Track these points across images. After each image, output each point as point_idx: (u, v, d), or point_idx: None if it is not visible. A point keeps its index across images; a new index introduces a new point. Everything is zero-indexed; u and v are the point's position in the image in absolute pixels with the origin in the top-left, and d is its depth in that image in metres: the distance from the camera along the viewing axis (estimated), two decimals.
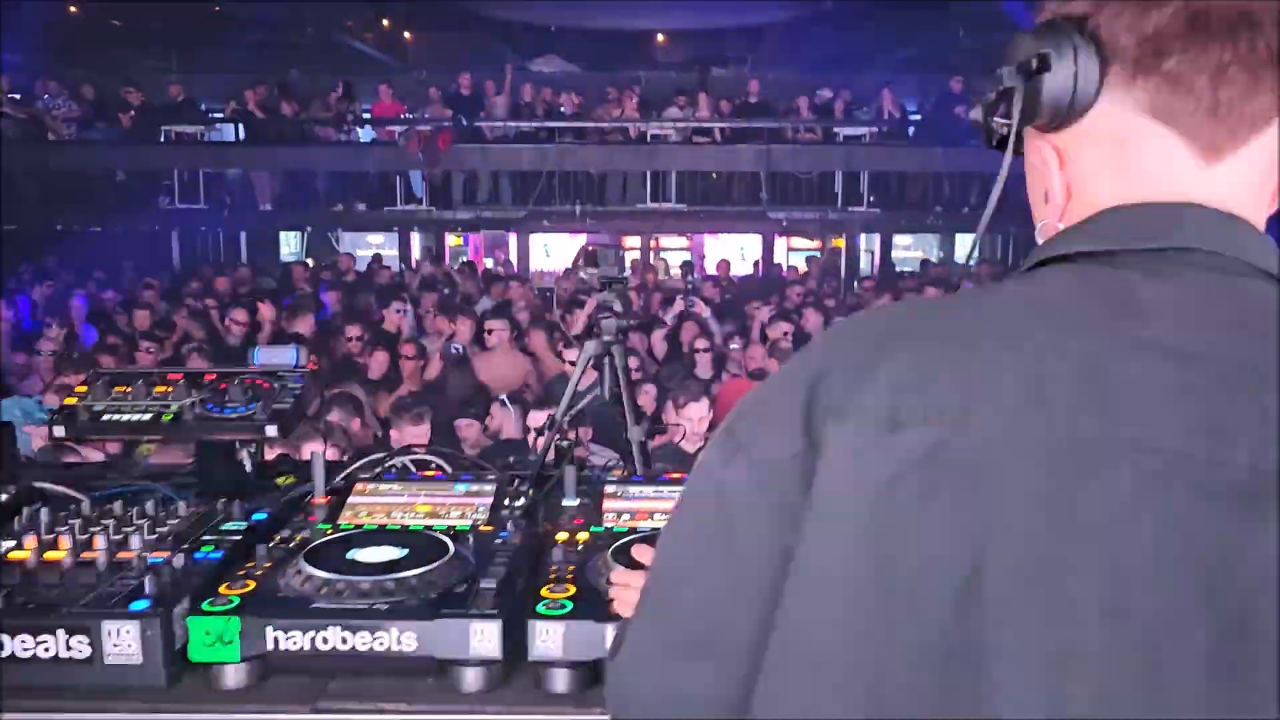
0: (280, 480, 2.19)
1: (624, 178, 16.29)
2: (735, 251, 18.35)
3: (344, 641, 1.48)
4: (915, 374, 0.80)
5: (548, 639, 1.48)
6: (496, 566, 1.65)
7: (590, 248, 2.29)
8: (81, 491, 1.99)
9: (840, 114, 16.86)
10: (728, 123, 16.34)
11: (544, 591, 1.56)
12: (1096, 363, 0.77)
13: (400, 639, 1.48)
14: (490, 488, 2.02)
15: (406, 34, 17.15)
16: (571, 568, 1.65)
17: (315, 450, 1.98)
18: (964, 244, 21.50)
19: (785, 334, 8.15)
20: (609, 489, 2.01)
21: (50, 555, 1.68)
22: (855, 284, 15.61)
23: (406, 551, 1.66)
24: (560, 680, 1.49)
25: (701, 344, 9.04)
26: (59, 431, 1.95)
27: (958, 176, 16.75)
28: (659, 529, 1.81)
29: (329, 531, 1.80)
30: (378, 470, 2.13)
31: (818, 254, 19.31)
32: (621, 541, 1.72)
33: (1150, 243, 0.85)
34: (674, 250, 20.43)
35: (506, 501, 1.96)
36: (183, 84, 16.42)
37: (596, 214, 16.04)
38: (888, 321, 0.90)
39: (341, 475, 2.08)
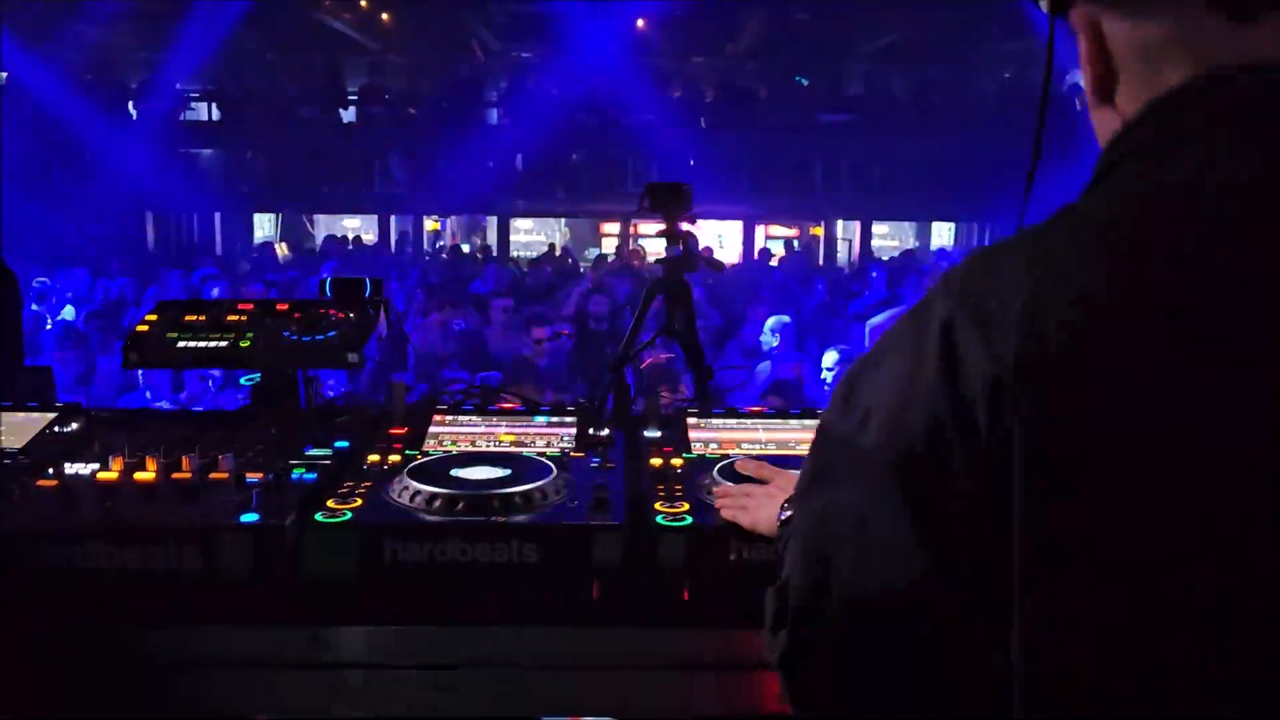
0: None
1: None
2: (712, 239, 18.37)
3: (463, 554, 1.45)
4: None
5: (673, 547, 1.46)
6: (600, 485, 1.64)
7: (654, 185, 2.27)
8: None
9: (821, 100, 16.90)
10: (709, 107, 16.32)
11: (658, 505, 1.54)
12: None
13: (521, 551, 1.46)
14: (571, 419, 1.99)
15: (384, 15, 16.95)
16: (679, 486, 1.64)
17: (396, 382, 1.94)
18: (939, 232, 21.67)
19: None
20: (691, 420, 1.99)
21: (140, 476, 1.64)
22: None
23: (510, 471, 1.64)
24: (683, 592, 1.48)
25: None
26: (132, 359, 1.90)
27: (936, 164, 16.88)
28: (761, 455, 1.80)
29: (420, 456, 1.77)
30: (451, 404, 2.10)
31: (795, 241, 19.41)
32: (725, 462, 1.70)
33: None
34: (652, 236, 20.40)
35: (590, 431, 1.93)
36: (152, 62, 16.13)
37: (577, 198, 15.99)
38: None
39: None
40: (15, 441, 1.82)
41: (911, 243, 21.18)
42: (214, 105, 15.84)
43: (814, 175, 16.98)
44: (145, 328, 1.94)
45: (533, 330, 7.60)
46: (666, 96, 16.33)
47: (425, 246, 17.86)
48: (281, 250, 15.04)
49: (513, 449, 1.86)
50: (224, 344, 1.92)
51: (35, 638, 1.40)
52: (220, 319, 1.96)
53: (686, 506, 1.53)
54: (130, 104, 15.46)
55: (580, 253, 19.36)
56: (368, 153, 15.66)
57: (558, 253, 15.88)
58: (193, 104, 16.29)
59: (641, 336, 2.39)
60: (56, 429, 1.88)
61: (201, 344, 1.91)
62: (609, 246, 21.42)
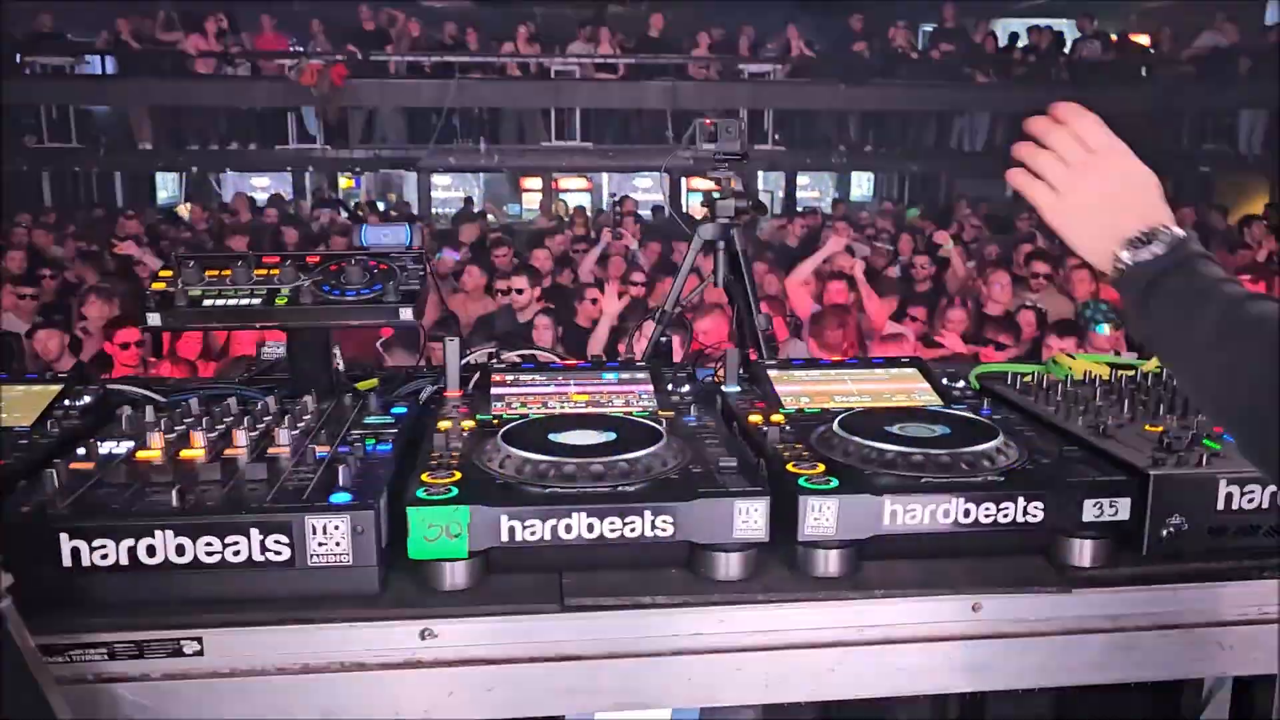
0: (360, 385, 1.94)
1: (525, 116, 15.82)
2: (636, 192, 18.16)
3: (590, 529, 1.28)
4: None
5: (821, 516, 1.31)
6: (715, 448, 1.48)
7: (709, 122, 2.08)
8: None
9: (744, 51, 16.72)
10: (633, 58, 16.00)
11: (791, 468, 1.39)
12: None
13: (655, 523, 1.29)
14: (643, 375, 1.83)
15: None
16: (800, 445, 1.49)
17: (450, 340, 1.75)
18: (860, 182, 21.82)
19: None
20: (772, 373, 1.84)
21: (187, 454, 1.43)
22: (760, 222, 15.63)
23: (614, 434, 1.47)
24: (831, 562, 1.33)
25: (638, 277, 8.91)
26: (154, 320, 1.66)
27: (859, 115, 16.90)
28: (873, 407, 1.66)
29: (495, 421, 1.59)
30: (502, 365, 1.91)
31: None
32: (848, 414, 1.56)
33: None
34: (574, 191, 20.08)
35: (670, 386, 1.77)
36: (49, 13, 15.13)
37: (500, 151, 15.56)
38: None
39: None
40: (23, 418, 1.58)
41: (832, 194, 21.29)
42: (109, 58, 14.95)
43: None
44: (163, 285, 1.70)
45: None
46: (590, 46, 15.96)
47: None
48: (185, 211, 14.32)
49: (591, 410, 1.68)
50: (257, 301, 1.69)
51: (106, 648, 1.19)
52: (246, 274, 1.73)
53: (822, 468, 1.38)
54: (18, 56, 14.49)
55: (498, 208, 18.95)
56: (280, 106, 14.96)
57: (476, 209, 15.47)
58: (86, 57, 15.36)
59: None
60: (68, 402, 1.64)
61: (232, 302, 1.69)
62: (530, 202, 21.04)
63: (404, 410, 1.65)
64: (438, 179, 17.40)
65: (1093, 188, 1.14)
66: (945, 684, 1.36)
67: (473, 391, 1.76)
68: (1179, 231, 1.08)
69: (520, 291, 7.47)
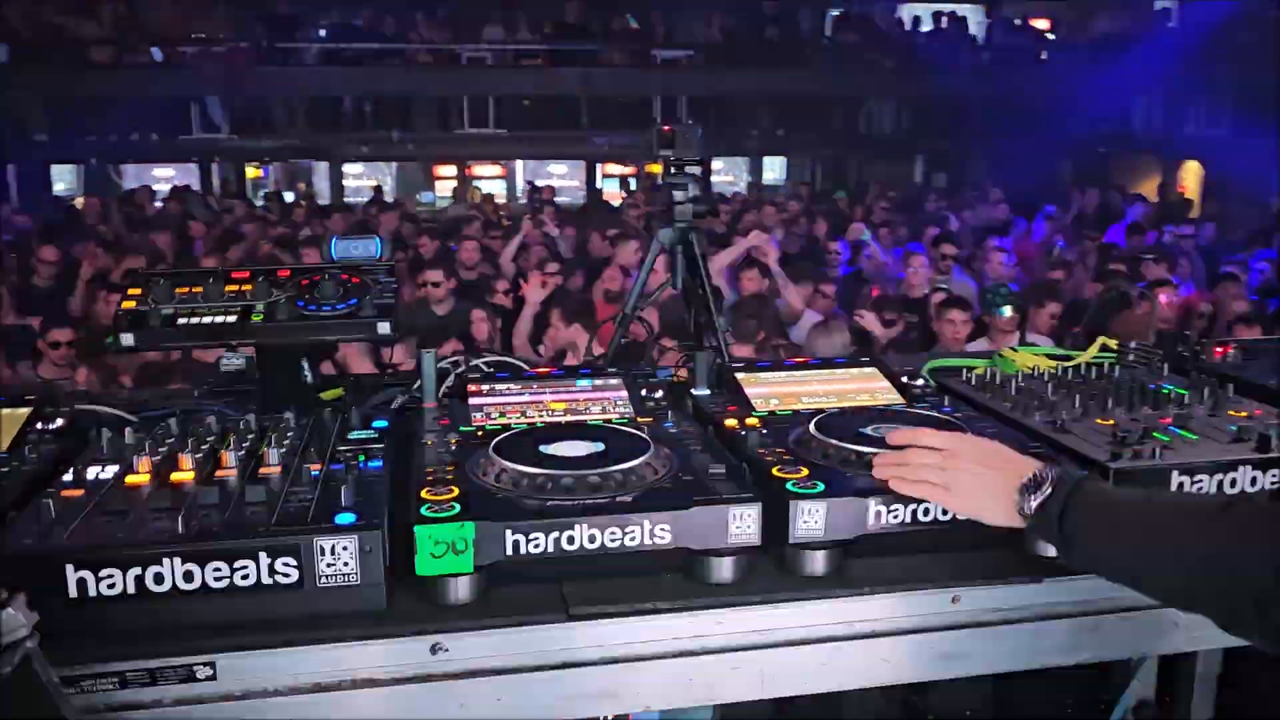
0: (325, 395, 1.95)
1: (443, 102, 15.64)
2: (551, 178, 18.10)
3: (591, 540, 1.32)
4: None
5: (810, 519, 1.38)
6: (700, 454, 1.53)
7: (667, 128, 2.13)
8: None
9: (658, 37, 16.79)
10: (545, 45, 15.93)
11: (777, 473, 1.45)
12: None
13: (654, 532, 1.34)
14: (615, 381, 1.87)
15: None
16: (780, 450, 1.55)
17: (427, 352, 1.76)
18: (772, 167, 22.10)
19: None
20: (740, 376, 1.90)
21: (177, 476, 1.42)
22: None
23: (603, 445, 1.51)
24: (819, 562, 1.40)
25: (552, 266, 8.92)
26: (128, 340, 1.64)
27: (769, 100, 17.12)
28: (844, 408, 1.73)
29: (479, 433, 1.61)
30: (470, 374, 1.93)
31: (633, 179, 19.36)
32: (822, 416, 1.63)
33: None
34: (489, 178, 19.93)
35: (644, 392, 1.82)
36: None
37: (414, 140, 15.36)
38: None
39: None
40: None
41: (745, 178, 21.55)
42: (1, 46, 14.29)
43: (652, 113, 16.87)
44: (133, 303, 1.68)
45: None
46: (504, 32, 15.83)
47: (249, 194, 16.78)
48: (82, 204, 13.77)
49: (570, 417, 1.72)
50: (232, 319, 1.68)
51: (117, 677, 1.19)
52: (218, 290, 1.72)
53: (806, 472, 1.45)
54: None
55: (411, 197, 18.69)
56: (181, 96, 14.50)
57: (390, 199, 15.23)
58: None
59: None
60: (40, 425, 1.61)
61: (206, 320, 1.67)
62: (444, 190, 20.78)
63: (385, 424, 1.66)
64: (349, 168, 17.08)
65: (969, 471, 1.36)
66: (927, 673, 1.44)
67: (448, 401, 1.78)
68: (1053, 469, 1.32)
69: (436, 285, 7.39)
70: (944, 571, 1.42)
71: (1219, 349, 2.24)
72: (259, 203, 13.89)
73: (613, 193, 17.73)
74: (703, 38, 16.81)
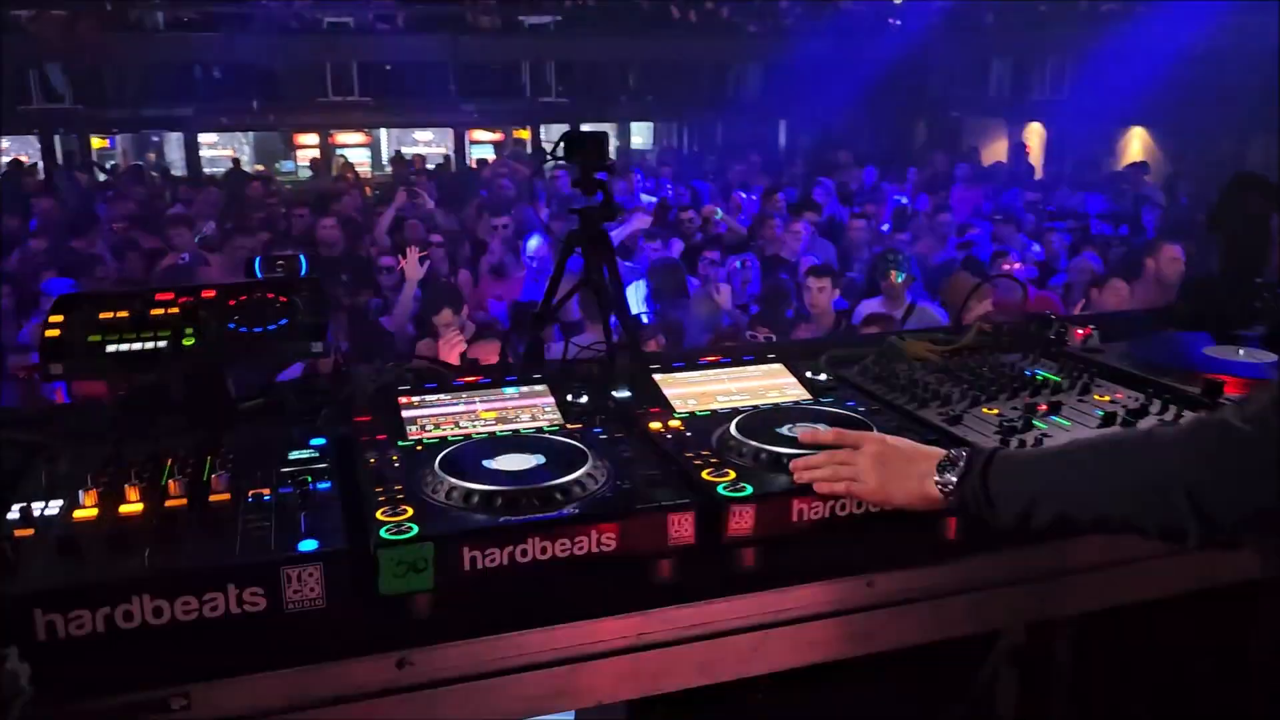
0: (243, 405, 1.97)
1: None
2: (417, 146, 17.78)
3: (543, 552, 1.42)
4: None
5: (740, 520, 1.50)
6: (633, 461, 1.64)
7: (571, 135, 2.20)
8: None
9: (525, 2, 16.62)
10: (411, 10, 15.58)
11: (707, 476, 1.57)
12: None
13: (601, 540, 1.44)
14: (540, 387, 1.95)
15: None
16: (705, 452, 1.67)
17: (361, 368, 1.81)
18: (639, 132, 22.22)
19: None
20: (657, 378, 2.01)
21: (126, 509, 1.45)
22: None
23: (543, 457, 1.60)
24: (749, 557, 1.53)
25: (436, 238, 8.86)
26: (57, 370, 1.63)
27: (637, 66, 17.20)
28: (758, 407, 1.86)
29: (418, 447, 1.68)
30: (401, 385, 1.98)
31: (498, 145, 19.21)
32: (741, 418, 1.75)
33: None
34: (353, 147, 19.43)
35: (569, 398, 1.91)
36: None
37: (274, 109, 14.85)
38: None
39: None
40: None
41: (613, 143, 21.60)
42: None
43: (521, 79, 16.76)
44: (57, 331, 1.67)
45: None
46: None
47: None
48: None
49: (500, 425, 1.80)
50: (163, 344, 1.70)
51: (93, 717, 1.23)
52: (144, 315, 1.73)
53: (734, 475, 1.57)
54: None
55: (270, 166, 18.08)
56: (21, 63, 13.62)
57: (255, 169, 14.74)
58: None
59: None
60: None
61: (136, 346, 1.68)
62: (305, 159, 20.15)
63: (324, 440, 1.70)
64: (204, 138, 16.39)
65: (876, 463, 1.51)
66: (848, 651, 1.59)
67: (380, 413, 1.83)
68: (963, 449, 1.49)
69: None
70: (860, 559, 1.57)
71: (1080, 331, 2.47)
72: (101, 177, 13.22)
73: (484, 158, 17.58)
74: (569, 3, 16.73)
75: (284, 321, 1.75)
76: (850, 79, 16.61)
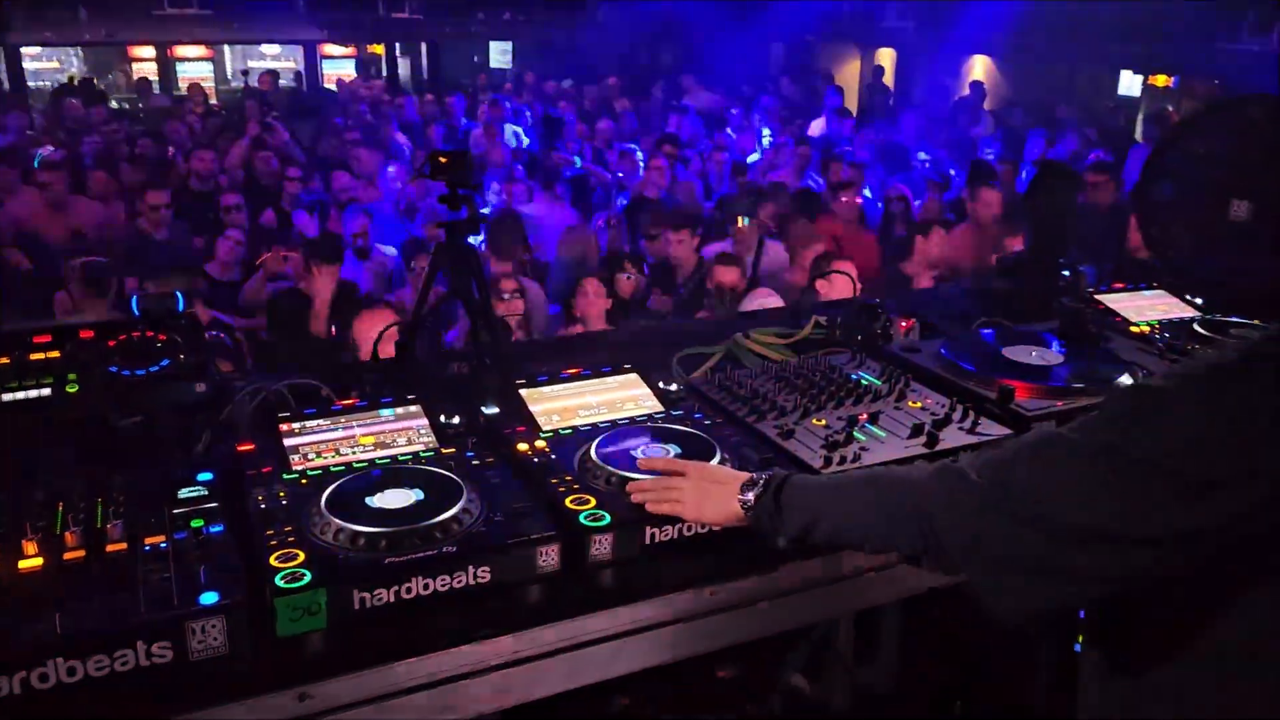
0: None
1: None
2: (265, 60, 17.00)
3: (425, 588, 1.60)
4: None
5: (600, 547, 1.71)
6: (503, 490, 1.81)
7: (444, 159, 2.31)
8: None
9: None
10: None
11: (569, 504, 1.77)
12: None
13: (477, 574, 1.63)
14: (416, 409, 2.10)
15: None
16: (568, 477, 1.86)
17: (241, 390, 1.92)
18: (502, 51, 21.75)
19: None
20: (524, 393, 2.18)
21: (26, 564, 1.55)
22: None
23: (420, 491, 1.76)
24: (609, 577, 1.74)
25: (294, 171, 8.67)
26: None
27: None
28: (616, 425, 2.05)
29: (303, 480, 1.82)
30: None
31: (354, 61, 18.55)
32: (599, 440, 1.94)
33: None
34: (194, 60, 18.41)
35: (442, 419, 2.06)
36: None
37: (106, 20, 13.93)
38: None
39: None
40: None
41: (473, 59, 21.09)
42: None
43: None
44: None
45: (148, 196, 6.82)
46: None
47: None
48: None
49: (379, 451, 1.95)
50: (46, 391, 1.77)
51: None
52: (23, 360, 1.79)
53: (594, 502, 1.77)
54: None
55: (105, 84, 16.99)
56: None
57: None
58: None
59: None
60: None
61: (20, 395, 1.75)
62: (141, 74, 18.98)
63: (210, 476, 1.82)
64: (28, 51, 15.24)
65: (695, 489, 1.75)
66: (691, 650, 1.83)
67: (262, 441, 1.94)
68: (766, 472, 1.74)
69: (158, 209, 6.95)
70: (702, 571, 1.80)
71: (903, 323, 2.75)
72: None
73: (336, 75, 16.95)
74: None
75: (165, 362, 1.84)
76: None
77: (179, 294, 1.94)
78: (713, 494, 1.73)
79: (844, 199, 7.42)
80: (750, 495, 1.70)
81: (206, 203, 7.75)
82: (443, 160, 2.30)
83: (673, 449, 1.95)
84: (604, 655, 1.74)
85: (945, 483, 1.47)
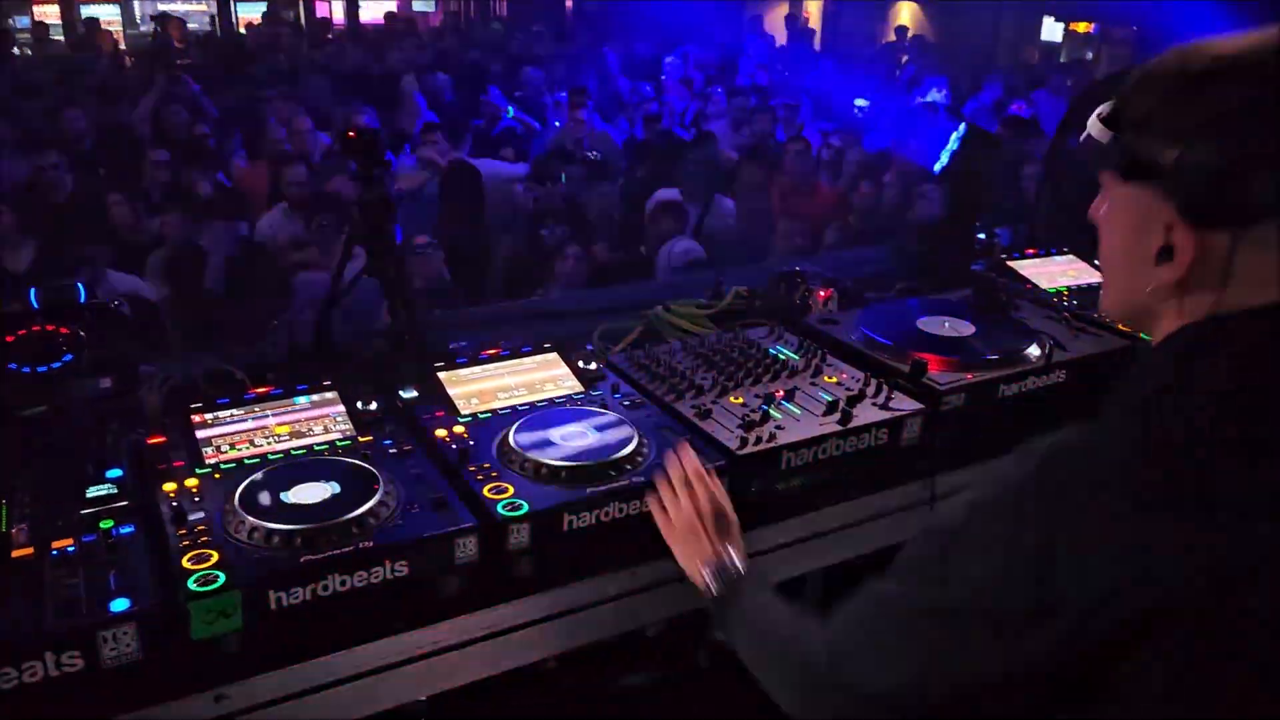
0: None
1: None
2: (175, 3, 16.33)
3: (343, 584, 1.60)
4: None
5: (518, 536, 1.73)
6: (420, 480, 1.81)
7: (352, 134, 2.26)
8: None
9: None
10: None
11: (487, 493, 1.77)
12: None
13: (394, 568, 1.63)
14: (331, 395, 2.08)
15: None
16: (487, 465, 1.87)
17: (150, 379, 1.88)
18: None
19: None
20: (442, 375, 2.17)
21: None
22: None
23: (337, 485, 1.75)
24: (526, 565, 1.76)
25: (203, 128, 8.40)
26: None
27: None
28: (534, 407, 2.06)
29: (216, 475, 1.80)
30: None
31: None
32: (515, 427, 1.95)
33: None
34: (101, 2, 17.61)
35: (359, 406, 2.04)
36: None
37: None
38: None
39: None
40: None
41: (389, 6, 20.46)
42: None
43: None
44: None
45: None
46: None
47: None
48: None
49: (294, 441, 1.93)
50: None
51: None
52: None
53: (511, 490, 1.78)
54: None
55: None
56: None
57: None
58: None
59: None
60: None
61: None
62: (44, 15, 18.09)
63: (120, 472, 1.78)
64: None
65: (688, 525, 1.70)
66: (609, 631, 1.86)
67: (173, 432, 1.91)
68: (734, 560, 1.64)
69: (56, 167, 6.65)
70: (621, 554, 1.83)
71: (821, 293, 2.78)
72: None
73: (251, 18, 16.36)
74: None
75: (68, 358, 1.79)
76: None
77: (80, 285, 1.88)
78: (692, 545, 1.69)
79: (793, 149, 7.40)
80: (709, 579, 1.63)
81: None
82: (351, 136, 2.25)
83: (590, 431, 1.96)
84: (521, 641, 1.77)
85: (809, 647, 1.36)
